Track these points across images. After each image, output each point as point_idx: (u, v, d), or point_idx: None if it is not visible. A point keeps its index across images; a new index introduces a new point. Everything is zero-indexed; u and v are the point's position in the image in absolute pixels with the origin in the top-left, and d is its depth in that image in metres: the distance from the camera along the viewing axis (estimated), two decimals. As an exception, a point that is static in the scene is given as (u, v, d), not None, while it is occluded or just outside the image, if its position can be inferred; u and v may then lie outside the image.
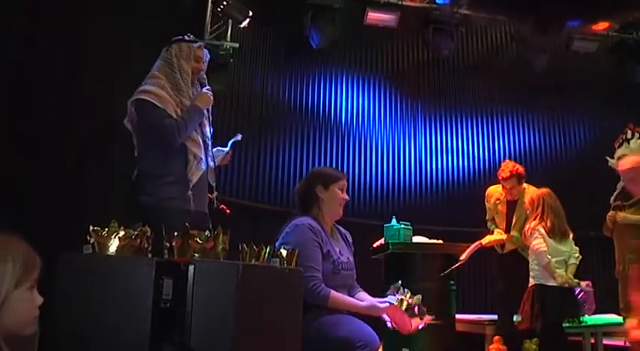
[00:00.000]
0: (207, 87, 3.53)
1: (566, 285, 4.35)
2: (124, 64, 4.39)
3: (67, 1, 4.29)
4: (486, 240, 5.34)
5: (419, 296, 3.08)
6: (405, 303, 3.05)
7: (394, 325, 3.09)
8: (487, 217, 5.64)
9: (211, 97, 3.48)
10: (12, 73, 3.90)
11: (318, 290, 2.99)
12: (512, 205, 5.39)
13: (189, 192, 3.24)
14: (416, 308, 3.04)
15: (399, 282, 3.17)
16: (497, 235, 5.40)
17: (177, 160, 3.28)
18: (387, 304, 3.06)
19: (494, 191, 5.52)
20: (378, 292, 3.46)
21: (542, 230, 4.42)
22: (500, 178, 5.41)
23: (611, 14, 7.97)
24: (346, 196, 3.37)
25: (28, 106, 3.96)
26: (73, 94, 4.27)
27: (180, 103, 3.34)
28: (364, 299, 3.22)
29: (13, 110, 3.87)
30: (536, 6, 7.38)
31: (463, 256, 4.90)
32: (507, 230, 5.41)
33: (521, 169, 5.36)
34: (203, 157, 3.36)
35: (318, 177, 3.36)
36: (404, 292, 3.11)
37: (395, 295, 3.11)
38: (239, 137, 3.70)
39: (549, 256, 4.34)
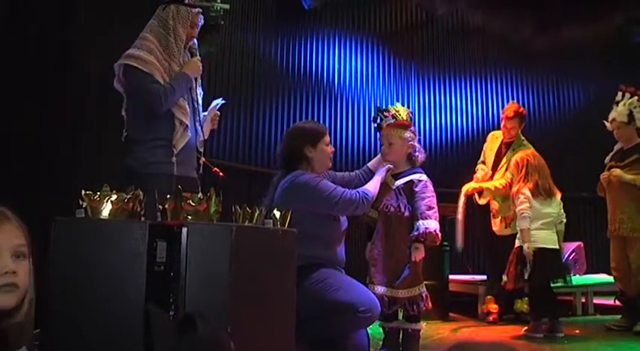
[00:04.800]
0: (198, 56, 3.49)
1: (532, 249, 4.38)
2: (120, 26, 4.31)
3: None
4: (466, 188, 5.22)
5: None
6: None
7: None
8: (480, 160, 5.54)
9: (200, 66, 3.44)
10: (4, 34, 3.83)
11: (358, 198, 3.21)
12: (505, 148, 5.34)
13: (174, 158, 3.23)
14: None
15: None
16: (475, 183, 5.28)
17: (163, 125, 3.25)
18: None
19: (498, 133, 5.47)
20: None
21: (527, 193, 4.43)
22: (504, 117, 5.35)
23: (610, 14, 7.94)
24: (332, 148, 3.43)
25: (22, 68, 3.90)
26: (67, 55, 4.20)
27: (169, 68, 3.29)
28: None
29: (6, 72, 3.81)
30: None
31: (460, 216, 4.91)
32: (494, 168, 5.34)
33: (524, 111, 5.38)
34: (189, 123, 3.32)
35: (303, 137, 3.33)
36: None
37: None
38: (220, 100, 3.64)
39: (529, 224, 4.38)
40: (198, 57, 3.48)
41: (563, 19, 8.04)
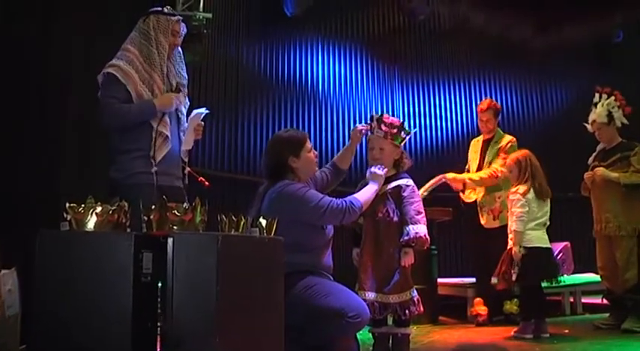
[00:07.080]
0: (184, 91, 3.48)
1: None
2: (101, 39, 4.30)
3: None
4: (451, 175, 5.25)
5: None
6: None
7: None
8: (466, 168, 5.55)
9: (173, 102, 3.36)
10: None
11: (344, 207, 3.16)
12: (486, 146, 5.38)
13: (154, 168, 3.22)
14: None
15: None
16: (461, 175, 5.32)
17: (143, 136, 3.26)
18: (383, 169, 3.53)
19: (479, 137, 5.52)
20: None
21: (529, 196, 4.42)
22: (478, 111, 5.48)
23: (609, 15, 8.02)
24: (316, 153, 3.42)
25: (4, 80, 3.87)
26: (51, 66, 4.18)
27: (150, 78, 3.30)
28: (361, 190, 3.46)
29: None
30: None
31: (423, 191, 4.88)
32: (479, 168, 5.35)
33: (498, 105, 5.48)
34: (172, 134, 3.32)
35: (285, 147, 3.31)
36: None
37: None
38: (203, 110, 3.60)
39: (524, 227, 4.39)
40: (182, 93, 3.46)
41: (550, 22, 8.12)
